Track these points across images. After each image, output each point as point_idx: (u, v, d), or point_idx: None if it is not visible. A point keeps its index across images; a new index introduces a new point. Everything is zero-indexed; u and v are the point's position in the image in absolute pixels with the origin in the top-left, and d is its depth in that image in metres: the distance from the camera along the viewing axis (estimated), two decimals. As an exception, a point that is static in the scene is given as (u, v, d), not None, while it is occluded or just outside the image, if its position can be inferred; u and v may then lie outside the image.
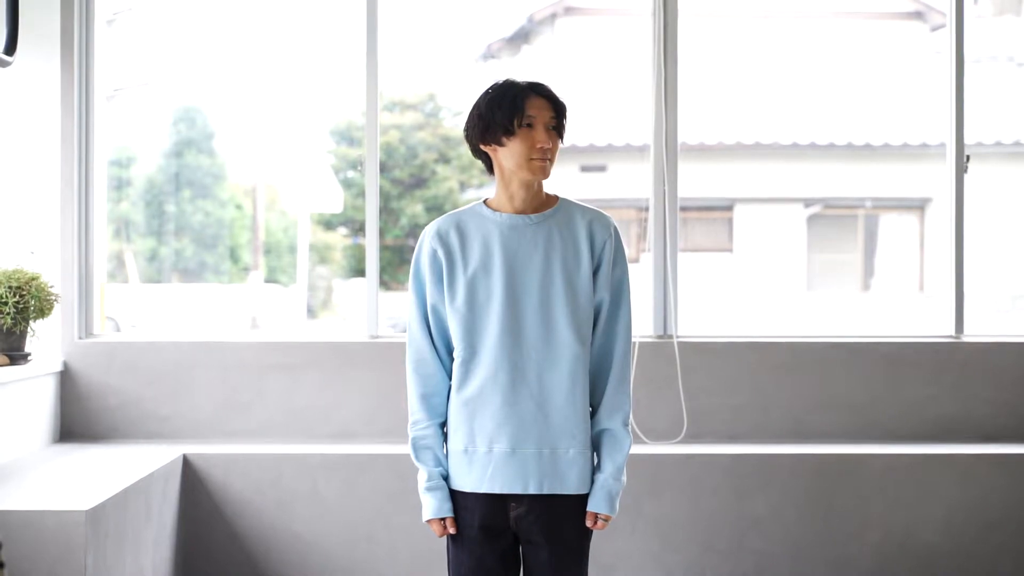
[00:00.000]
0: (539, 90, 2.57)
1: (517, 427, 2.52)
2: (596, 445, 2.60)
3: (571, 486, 2.55)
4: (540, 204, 2.61)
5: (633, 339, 4.18)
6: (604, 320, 2.61)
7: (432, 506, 2.56)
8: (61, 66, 4.16)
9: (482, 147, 2.58)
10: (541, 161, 2.54)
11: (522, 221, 2.58)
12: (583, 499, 2.58)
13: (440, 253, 2.58)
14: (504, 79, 2.59)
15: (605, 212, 2.64)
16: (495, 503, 2.55)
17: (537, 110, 2.54)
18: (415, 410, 2.60)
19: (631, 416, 2.54)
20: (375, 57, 4.27)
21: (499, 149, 2.56)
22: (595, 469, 2.60)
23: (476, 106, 2.58)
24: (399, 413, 4.19)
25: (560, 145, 2.59)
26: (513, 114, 2.52)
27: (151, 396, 4.20)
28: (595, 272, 2.58)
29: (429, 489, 2.57)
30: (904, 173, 13.21)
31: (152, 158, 13.86)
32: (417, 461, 2.59)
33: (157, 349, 4.22)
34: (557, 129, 2.57)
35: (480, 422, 2.54)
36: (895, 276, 13.69)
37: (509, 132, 2.52)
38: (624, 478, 2.59)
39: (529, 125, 2.53)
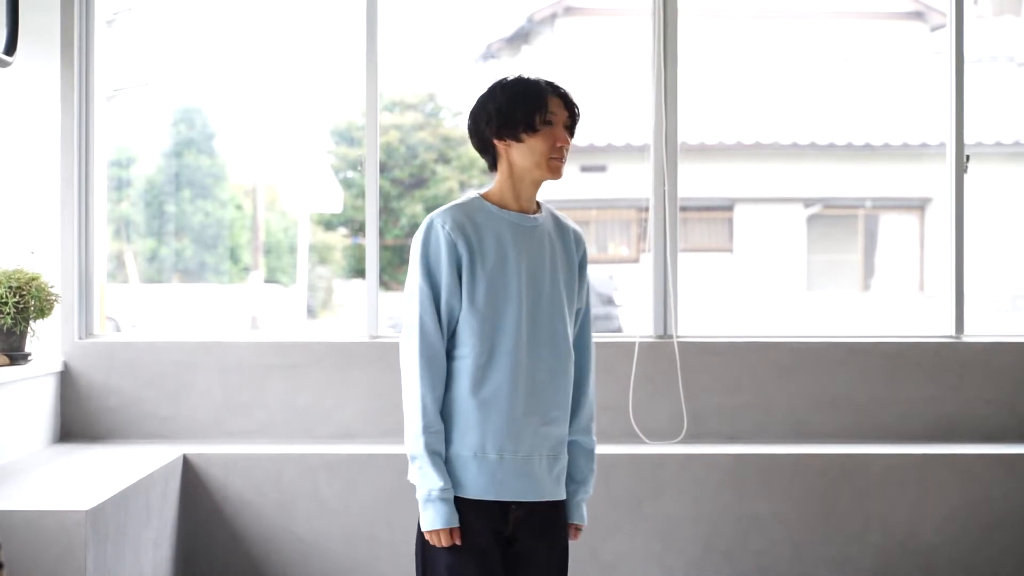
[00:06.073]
0: (559, 90, 2.54)
1: (532, 435, 2.50)
2: (575, 455, 2.62)
3: (562, 493, 2.59)
4: (535, 205, 2.59)
5: (633, 339, 4.22)
6: (580, 330, 2.62)
7: (445, 515, 2.44)
8: (61, 66, 4.16)
9: (496, 141, 2.51)
10: (558, 161, 2.50)
11: (528, 221, 2.53)
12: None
13: (460, 246, 2.45)
14: (518, 75, 2.54)
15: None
16: (500, 509, 2.50)
17: (558, 108, 2.51)
18: (429, 412, 2.46)
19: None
20: (375, 57, 4.26)
21: (515, 145, 2.49)
22: (571, 479, 2.63)
23: (491, 99, 2.51)
24: (400, 413, 4.18)
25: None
26: (536, 111, 2.47)
27: (151, 396, 4.20)
28: (579, 281, 2.60)
29: (444, 499, 2.44)
30: (904, 173, 13.21)
31: (152, 158, 13.84)
32: (432, 468, 2.44)
33: (157, 349, 4.22)
34: (571, 130, 2.54)
35: (493, 427, 2.47)
36: (895, 276, 13.68)
37: (530, 129, 2.47)
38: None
39: (550, 123, 2.49)
